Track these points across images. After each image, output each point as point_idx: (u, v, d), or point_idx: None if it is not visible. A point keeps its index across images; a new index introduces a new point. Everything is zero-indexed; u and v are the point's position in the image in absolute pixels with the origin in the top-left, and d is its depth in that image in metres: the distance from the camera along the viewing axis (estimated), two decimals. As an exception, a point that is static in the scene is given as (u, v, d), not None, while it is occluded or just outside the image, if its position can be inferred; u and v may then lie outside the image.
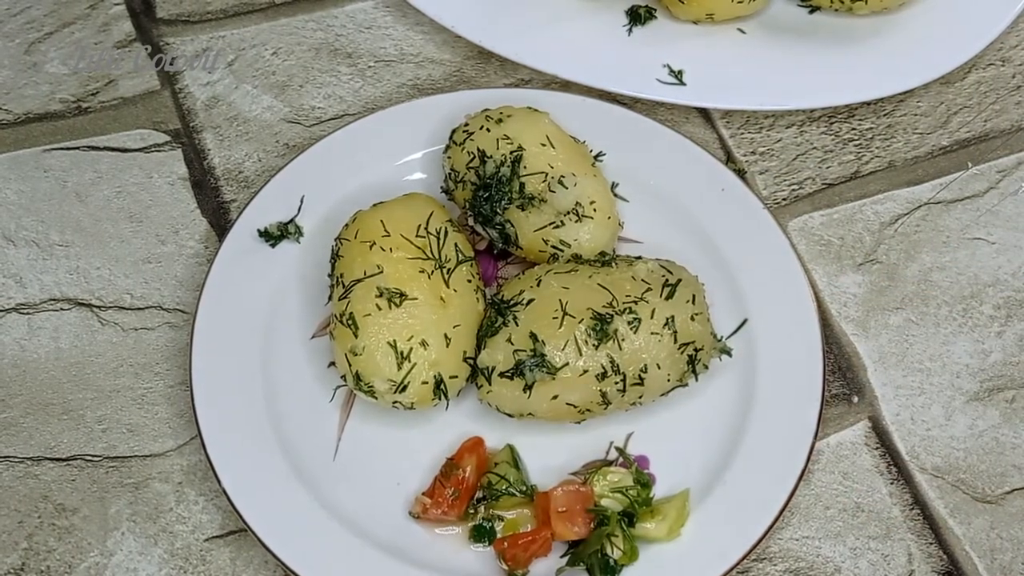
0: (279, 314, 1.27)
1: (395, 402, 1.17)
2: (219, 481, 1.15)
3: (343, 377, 1.18)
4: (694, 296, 1.18)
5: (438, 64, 1.52)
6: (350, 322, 1.16)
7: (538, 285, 1.18)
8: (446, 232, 1.22)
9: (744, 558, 1.12)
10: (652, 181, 1.35)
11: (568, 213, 1.23)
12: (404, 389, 1.15)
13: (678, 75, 1.44)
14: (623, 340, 1.14)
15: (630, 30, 1.50)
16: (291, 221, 1.31)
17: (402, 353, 1.15)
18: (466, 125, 1.30)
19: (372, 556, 1.13)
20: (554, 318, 1.15)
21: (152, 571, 1.17)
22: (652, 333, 1.15)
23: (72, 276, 1.35)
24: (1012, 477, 1.23)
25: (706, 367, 1.20)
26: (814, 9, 1.51)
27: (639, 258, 1.22)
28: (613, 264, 1.21)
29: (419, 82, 1.51)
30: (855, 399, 1.27)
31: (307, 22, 1.57)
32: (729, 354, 1.23)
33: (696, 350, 1.18)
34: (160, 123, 1.47)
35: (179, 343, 1.30)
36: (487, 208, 1.24)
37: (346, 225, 1.24)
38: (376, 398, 1.17)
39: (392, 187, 1.30)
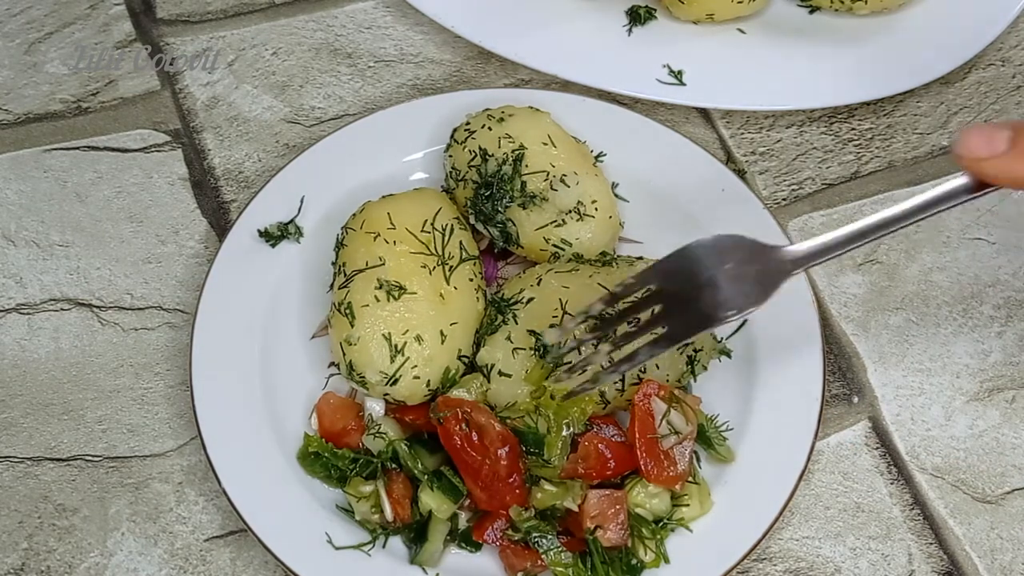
0: (279, 314, 1.27)
1: (386, 395, 1.17)
2: (219, 481, 1.15)
3: (336, 365, 1.19)
4: None
5: (438, 64, 1.52)
6: (347, 311, 1.16)
7: (538, 284, 1.18)
8: (452, 229, 1.22)
9: (744, 558, 1.12)
10: (652, 181, 1.35)
11: (570, 212, 1.23)
12: (395, 383, 1.15)
13: (678, 75, 1.44)
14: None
15: (630, 30, 1.50)
16: (291, 221, 1.31)
17: (396, 347, 1.15)
18: (467, 124, 1.30)
19: (373, 556, 1.13)
20: (554, 317, 1.15)
21: (152, 571, 1.17)
22: (652, 333, 1.15)
23: (72, 276, 1.35)
24: (1012, 477, 1.23)
25: (705, 368, 1.20)
26: (814, 9, 1.51)
27: (640, 258, 1.22)
28: (614, 264, 1.21)
29: (419, 82, 1.51)
30: (855, 399, 1.27)
31: (307, 22, 1.57)
32: (728, 355, 1.23)
33: (695, 351, 1.18)
34: (160, 123, 1.47)
35: (179, 343, 1.30)
36: (488, 207, 1.25)
37: (354, 215, 1.24)
38: (367, 389, 1.17)
39: (392, 187, 1.30)
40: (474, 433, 1.11)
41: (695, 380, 1.21)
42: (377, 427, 1.16)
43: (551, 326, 1.13)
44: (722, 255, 1.04)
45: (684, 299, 1.04)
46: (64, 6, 1.58)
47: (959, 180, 0.98)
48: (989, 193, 0.98)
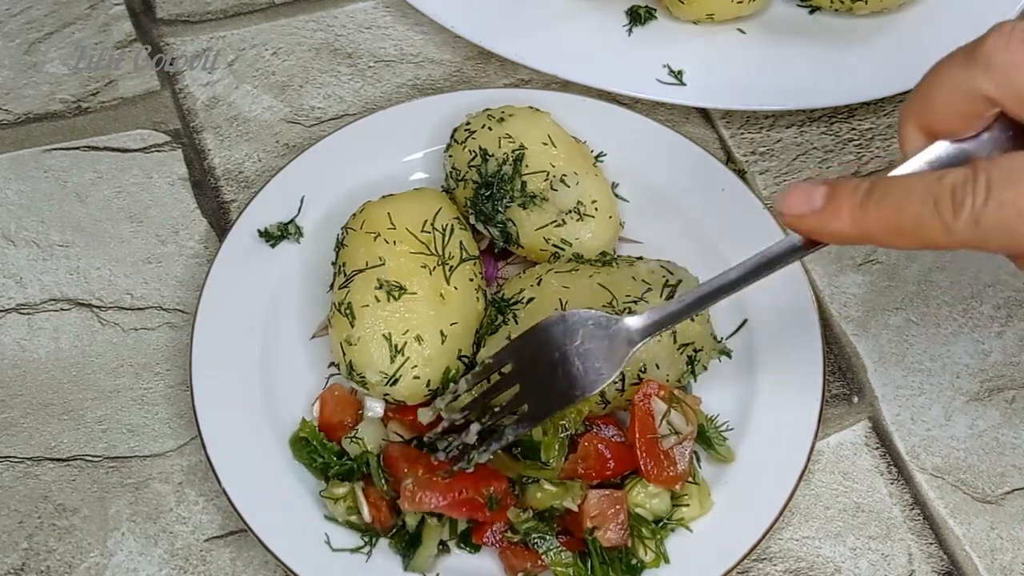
0: (279, 314, 1.27)
1: (386, 395, 1.17)
2: (219, 481, 1.14)
3: (336, 365, 1.19)
4: None
5: (438, 64, 1.52)
6: (348, 311, 1.16)
7: (539, 284, 1.18)
8: (452, 229, 1.22)
9: (744, 558, 1.12)
10: (652, 181, 1.35)
11: (570, 212, 1.23)
12: (395, 383, 1.15)
13: (678, 75, 1.44)
14: None
15: (630, 30, 1.50)
16: (291, 221, 1.31)
17: (396, 347, 1.15)
18: (468, 124, 1.31)
19: (373, 556, 1.13)
20: (554, 317, 1.15)
21: (152, 571, 1.17)
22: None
23: (72, 276, 1.35)
24: (1012, 477, 1.23)
25: (705, 368, 1.20)
26: (814, 9, 1.51)
27: (640, 258, 1.23)
28: (614, 264, 1.21)
29: (419, 82, 1.51)
30: (855, 399, 1.27)
31: (307, 22, 1.57)
32: (729, 355, 1.23)
33: (696, 351, 1.18)
34: (160, 123, 1.47)
35: (179, 343, 1.30)
36: (488, 206, 1.25)
37: (354, 215, 1.24)
38: (368, 389, 1.17)
39: (392, 187, 1.30)
40: (430, 500, 1.10)
41: (695, 380, 1.21)
42: (354, 432, 1.16)
43: (420, 406, 1.16)
44: (571, 332, 1.07)
45: (541, 378, 1.08)
46: (64, 6, 1.58)
47: (791, 239, 0.98)
48: (819, 249, 0.98)
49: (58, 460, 1.23)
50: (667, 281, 1.18)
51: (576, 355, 1.06)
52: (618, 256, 1.25)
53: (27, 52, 1.54)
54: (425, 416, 1.15)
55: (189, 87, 1.50)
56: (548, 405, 1.08)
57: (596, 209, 1.24)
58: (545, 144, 1.27)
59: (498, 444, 1.09)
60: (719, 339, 1.23)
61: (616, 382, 1.14)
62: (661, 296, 1.16)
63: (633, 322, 1.06)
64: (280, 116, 1.48)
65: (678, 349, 1.16)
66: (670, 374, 1.17)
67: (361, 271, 1.18)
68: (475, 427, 1.11)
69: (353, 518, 1.13)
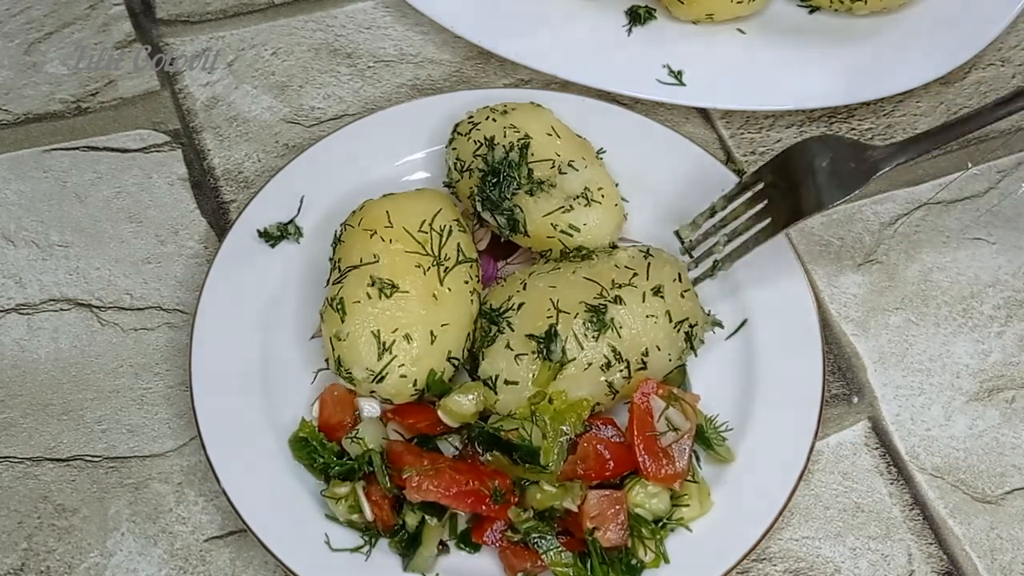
0: (278, 314, 1.27)
1: (372, 392, 1.17)
2: (219, 481, 1.14)
3: (326, 360, 1.19)
4: (679, 275, 1.19)
5: (438, 64, 1.52)
6: (339, 307, 1.16)
7: (524, 288, 1.18)
8: (450, 231, 1.22)
9: (744, 558, 1.12)
10: (652, 181, 1.35)
11: (577, 197, 1.23)
12: (382, 380, 1.15)
13: (678, 75, 1.44)
14: (621, 328, 1.15)
15: (630, 30, 1.50)
16: (291, 221, 1.31)
17: (384, 344, 1.15)
18: (471, 117, 1.31)
19: (372, 555, 1.13)
20: (548, 317, 1.15)
21: (152, 571, 1.17)
22: (648, 316, 1.15)
23: (72, 276, 1.35)
24: (1012, 477, 1.23)
25: (703, 341, 1.21)
26: (814, 9, 1.51)
27: (615, 247, 1.23)
28: (593, 256, 1.21)
29: (419, 82, 1.51)
30: (855, 399, 1.27)
31: (307, 22, 1.57)
32: (721, 326, 1.24)
33: (691, 326, 1.18)
34: (160, 123, 1.47)
35: (179, 343, 1.30)
36: (496, 193, 1.24)
37: (353, 212, 1.24)
38: (354, 385, 1.17)
39: (392, 187, 1.30)
40: (435, 489, 1.10)
41: (696, 354, 1.21)
42: (355, 432, 1.16)
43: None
44: (821, 153, 1.20)
45: (786, 192, 1.20)
46: (64, 6, 1.58)
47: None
48: None
49: (58, 460, 1.23)
50: (650, 263, 1.18)
51: (823, 174, 1.19)
52: (595, 249, 1.24)
53: (27, 52, 1.54)
54: (686, 233, 1.28)
55: (189, 87, 1.50)
56: (789, 217, 1.21)
57: (603, 196, 1.24)
58: (549, 135, 1.27)
59: (740, 256, 1.22)
60: (708, 312, 1.24)
61: (621, 369, 1.14)
62: (647, 278, 1.16)
63: (879, 152, 1.19)
64: (280, 116, 1.48)
65: (675, 328, 1.17)
66: (671, 353, 1.17)
67: (355, 268, 1.18)
68: (722, 241, 1.25)
69: (354, 517, 1.13)
